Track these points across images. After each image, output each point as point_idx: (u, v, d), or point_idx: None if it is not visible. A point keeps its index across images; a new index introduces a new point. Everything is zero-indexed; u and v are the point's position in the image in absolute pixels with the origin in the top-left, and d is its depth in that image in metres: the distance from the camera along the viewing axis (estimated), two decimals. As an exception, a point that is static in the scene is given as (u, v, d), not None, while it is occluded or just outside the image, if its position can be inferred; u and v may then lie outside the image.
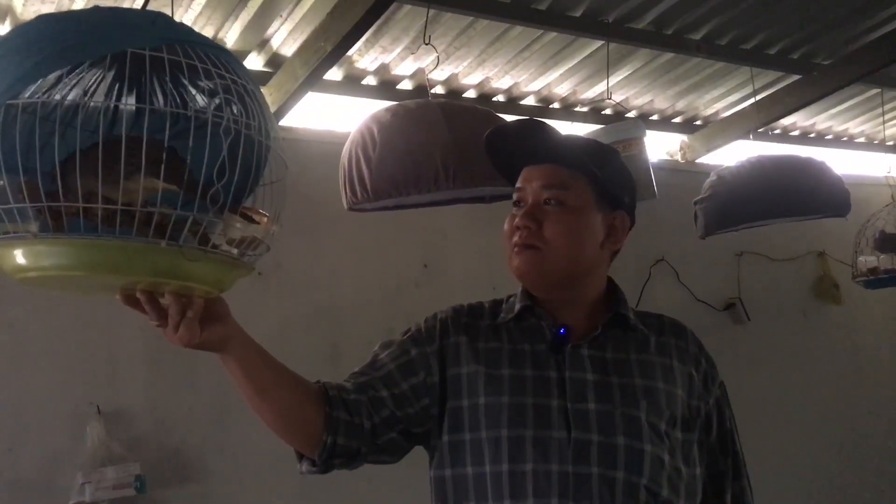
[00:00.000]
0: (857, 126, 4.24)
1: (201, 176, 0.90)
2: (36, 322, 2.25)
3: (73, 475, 2.15)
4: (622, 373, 1.27)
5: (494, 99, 3.13)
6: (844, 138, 4.35)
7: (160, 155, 0.87)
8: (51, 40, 0.87)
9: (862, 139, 4.45)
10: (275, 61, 2.59)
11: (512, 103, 3.17)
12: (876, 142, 4.53)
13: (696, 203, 2.96)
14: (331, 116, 2.94)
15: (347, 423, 1.23)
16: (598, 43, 2.80)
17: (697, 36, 2.91)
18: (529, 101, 3.23)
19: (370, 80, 2.85)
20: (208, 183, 0.90)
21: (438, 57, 2.41)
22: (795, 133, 4.10)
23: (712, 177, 2.96)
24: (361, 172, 2.03)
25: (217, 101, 0.93)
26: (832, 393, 4.03)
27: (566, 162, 1.30)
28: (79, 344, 2.29)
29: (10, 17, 2.21)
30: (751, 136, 3.20)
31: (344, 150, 2.11)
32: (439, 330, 1.35)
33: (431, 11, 2.31)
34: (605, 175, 1.28)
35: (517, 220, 1.28)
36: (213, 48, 0.98)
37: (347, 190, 2.08)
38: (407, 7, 2.41)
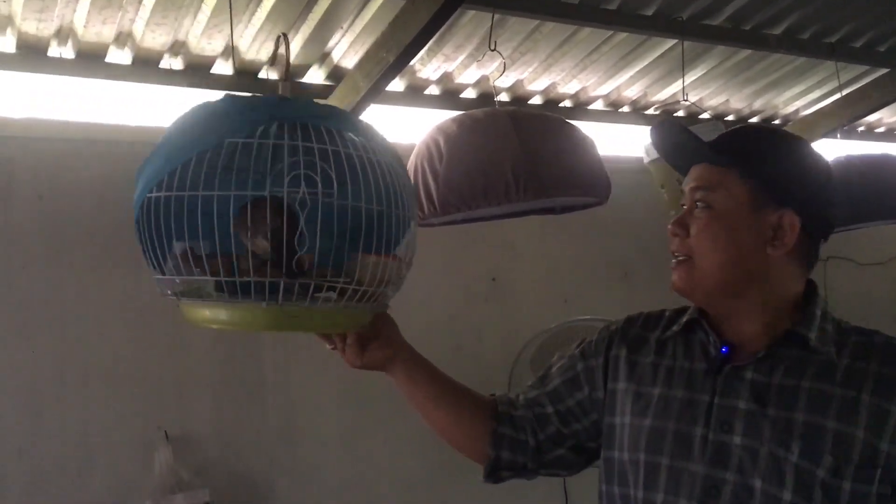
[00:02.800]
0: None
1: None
2: (103, 346, 2.22)
3: (142, 502, 2.11)
4: (783, 404, 1.08)
5: (561, 104, 3.02)
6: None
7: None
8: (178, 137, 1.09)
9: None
10: (336, 74, 2.53)
11: (580, 108, 3.05)
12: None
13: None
14: (394, 128, 2.87)
15: (512, 438, 1.29)
16: (670, 42, 2.66)
17: (777, 31, 2.74)
18: (598, 105, 3.10)
19: (433, 90, 2.77)
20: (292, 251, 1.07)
21: (504, 63, 2.32)
22: (881, 130, 3.87)
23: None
24: (428, 186, 1.95)
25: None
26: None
27: (716, 158, 1.16)
28: (145, 368, 2.26)
29: (65, 39, 2.20)
30: (838, 135, 3.01)
31: (409, 163, 2.03)
32: (606, 342, 1.30)
33: (496, 16, 2.22)
34: (764, 168, 1.13)
35: (669, 227, 1.19)
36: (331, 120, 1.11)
37: (414, 205, 1.99)
38: (471, 13, 2.32)
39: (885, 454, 1.03)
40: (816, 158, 1.17)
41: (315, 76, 2.55)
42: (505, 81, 2.78)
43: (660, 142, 1.28)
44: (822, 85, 3.19)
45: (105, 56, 2.22)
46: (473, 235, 2.79)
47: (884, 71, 3.07)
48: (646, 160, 2.52)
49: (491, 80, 2.35)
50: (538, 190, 1.95)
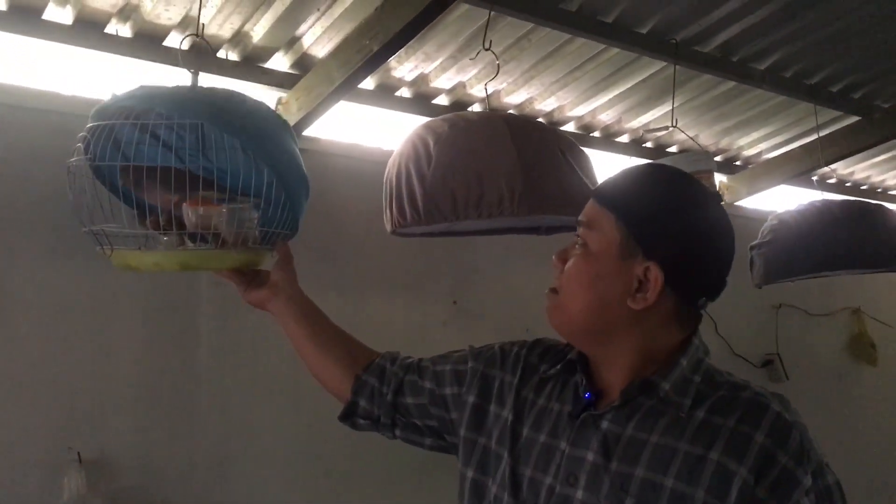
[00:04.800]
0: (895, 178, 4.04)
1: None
2: (7, 348, 1.88)
3: (43, 535, 1.77)
4: (627, 458, 1.02)
5: (533, 123, 2.85)
6: (879, 189, 4.14)
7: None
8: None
9: (895, 192, 4.25)
10: (304, 63, 2.29)
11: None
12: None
13: (752, 248, 2.69)
14: (356, 128, 2.64)
15: (373, 388, 1.34)
16: (657, 66, 2.54)
17: (762, 66, 2.66)
18: (569, 126, 2.95)
19: (404, 92, 2.56)
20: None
21: (498, 65, 2.13)
22: (849, 184, 3.88)
23: (772, 220, 2.70)
24: (412, 190, 1.72)
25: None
26: (870, 460, 3.75)
27: (599, 197, 1.12)
28: (59, 376, 1.92)
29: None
30: (814, 180, 2.95)
31: (390, 164, 1.81)
32: (500, 358, 1.27)
33: (492, 14, 2.03)
34: (637, 217, 1.07)
35: (553, 256, 1.16)
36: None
37: (394, 209, 1.76)
38: (462, 8, 2.12)
39: None
40: (702, 215, 1.08)
41: (279, 63, 2.29)
42: (479, 91, 2.59)
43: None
44: (796, 126, 3.14)
45: (42, 12, 1.92)
46: (436, 255, 2.58)
47: (856, 119, 3.04)
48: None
49: (484, 86, 2.15)
50: (534, 205, 1.76)
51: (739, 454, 0.95)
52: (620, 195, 1.10)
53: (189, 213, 1.33)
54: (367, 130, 2.65)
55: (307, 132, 2.35)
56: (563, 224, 2.12)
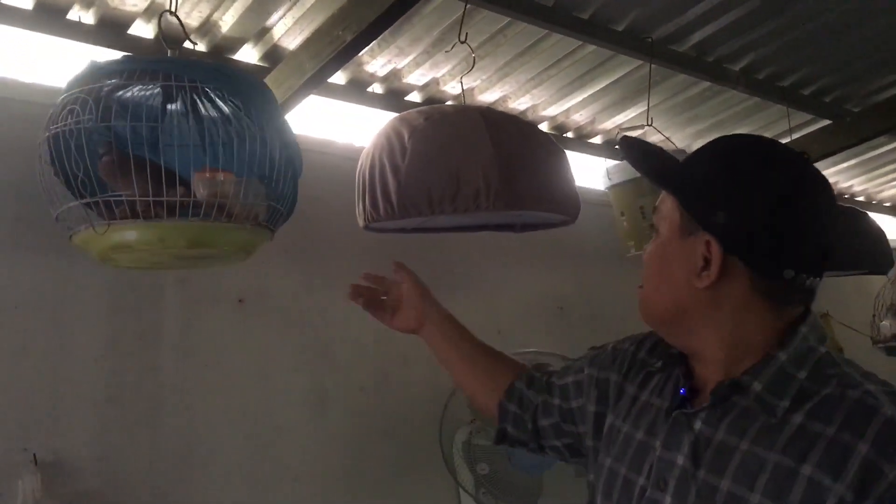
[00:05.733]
0: (860, 185, 4.07)
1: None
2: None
3: (-5, 541, 1.69)
4: (715, 466, 0.93)
5: (507, 122, 2.82)
6: (846, 195, 4.18)
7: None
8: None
9: (861, 198, 4.29)
10: (273, 55, 2.23)
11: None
12: (874, 202, 4.39)
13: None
14: (328, 124, 2.59)
15: (516, 416, 1.29)
16: (634, 64, 2.52)
17: (737, 67, 2.66)
18: (543, 127, 2.93)
19: (377, 88, 2.51)
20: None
21: (474, 58, 2.09)
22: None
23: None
24: (386, 184, 1.67)
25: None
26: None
27: (661, 179, 1.04)
28: (14, 376, 1.84)
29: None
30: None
31: (363, 157, 1.76)
32: (610, 358, 1.20)
33: (467, 6, 1.99)
34: (690, 187, 0.98)
35: None
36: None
37: (367, 203, 1.71)
38: (437, 0, 2.08)
39: None
40: (766, 176, 0.96)
41: (248, 54, 2.23)
42: (453, 88, 2.55)
43: (632, 159, 1.10)
44: (769, 128, 3.15)
45: (1, -5, 1.84)
46: (409, 254, 2.51)
47: (827, 122, 3.06)
48: (606, 185, 2.34)
49: (461, 80, 2.12)
50: (510, 201, 1.71)
51: (837, 468, 0.84)
52: (678, 173, 1.02)
53: (200, 185, 1.28)
54: (339, 126, 2.60)
55: (277, 126, 2.29)
56: (539, 221, 2.09)
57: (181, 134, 1.32)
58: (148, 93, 1.31)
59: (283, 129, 1.48)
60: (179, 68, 1.33)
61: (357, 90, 2.48)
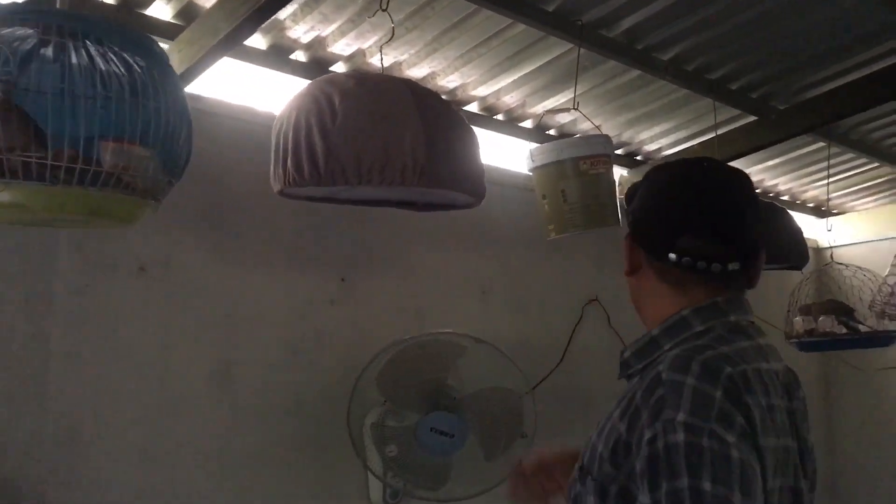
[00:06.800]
0: (785, 184, 4.14)
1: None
2: None
3: None
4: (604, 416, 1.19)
5: (436, 100, 2.76)
6: (771, 194, 4.24)
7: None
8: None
9: (786, 197, 4.36)
10: (188, 13, 2.13)
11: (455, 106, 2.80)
12: (798, 201, 4.47)
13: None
14: (247, 90, 2.49)
15: None
16: (564, 47, 2.49)
17: (666, 57, 2.65)
18: (473, 107, 2.88)
19: (300, 56, 2.42)
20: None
21: (393, 28, 2.02)
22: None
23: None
24: (312, 147, 1.61)
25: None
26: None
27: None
28: None
29: None
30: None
31: (284, 118, 1.69)
32: None
33: (392, -27, 1.92)
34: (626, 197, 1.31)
35: None
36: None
37: (288, 166, 1.64)
38: (362, -35, 2.01)
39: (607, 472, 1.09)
40: (659, 176, 1.26)
41: (161, 10, 2.12)
42: (380, 60, 2.48)
43: None
44: (696, 122, 3.16)
45: None
46: (325, 228, 2.45)
47: (753, 118, 3.08)
48: (529, 166, 2.31)
49: (381, 49, 2.05)
50: (434, 178, 1.69)
51: (623, 412, 1.08)
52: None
53: (108, 152, 1.26)
54: (260, 94, 2.51)
55: (189, 89, 2.18)
56: (445, 202, 2.05)
57: (44, 81, 1.24)
58: (22, 34, 1.21)
59: (177, 96, 1.43)
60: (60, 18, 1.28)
61: (279, 57, 2.39)
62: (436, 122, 1.73)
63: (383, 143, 1.62)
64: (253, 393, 2.23)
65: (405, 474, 2.26)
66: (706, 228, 1.14)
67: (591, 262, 3.22)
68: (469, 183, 1.80)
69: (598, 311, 3.22)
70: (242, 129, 2.28)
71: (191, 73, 2.08)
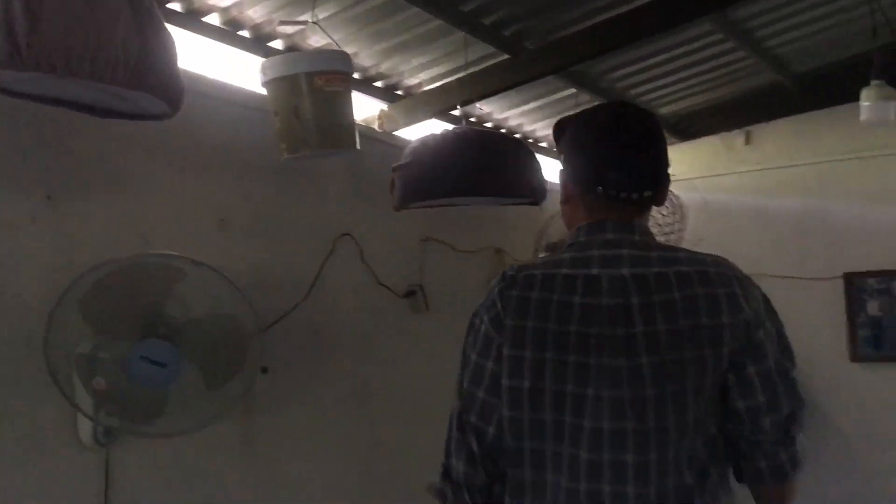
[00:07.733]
0: (543, 130, 4.27)
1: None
2: None
3: None
4: None
5: (168, 5, 2.50)
6: (531, 140, 4.37)
7: None
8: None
9: (544, 143, 4.51)
10: None
11: (191, 18, 2.56)
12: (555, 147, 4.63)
13: (394, 169, 2.64)
14: None
15: None
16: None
17: (418, -18, 2.58)
18: (213, 18, 2.65)
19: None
20: None
21: None
22: (490, 124, 4.00)
23: (415, 143, 2.68)
24: (13, 21, 1.39)
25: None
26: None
27: None
28: None
29: None
30: (458, 112, 2.95)
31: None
32: None
33: None
34: None
35: None
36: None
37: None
38: None
39: None
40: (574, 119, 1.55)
41: None
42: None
43: None
44: (452, 58, 3.13)
45: None
46: (23, 134, 2.14)
47: (505, 56, 3.10)
48: (262, 80, 2.15)
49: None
50: (142, 78, 1.54)
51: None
52: None
53: None
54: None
55: None
56: (137, 111, 1.85)
57: None
58: None
59: None
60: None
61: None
62: (146, 20, 1.56)
63: (96, 31, 1.44)
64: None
65: (115, 409, 2.06)
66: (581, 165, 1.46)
67: (345, 194, 3.13)
68: (171, 90, 1.64)
69: (351, 244, 3.14)
70: None
71: None
